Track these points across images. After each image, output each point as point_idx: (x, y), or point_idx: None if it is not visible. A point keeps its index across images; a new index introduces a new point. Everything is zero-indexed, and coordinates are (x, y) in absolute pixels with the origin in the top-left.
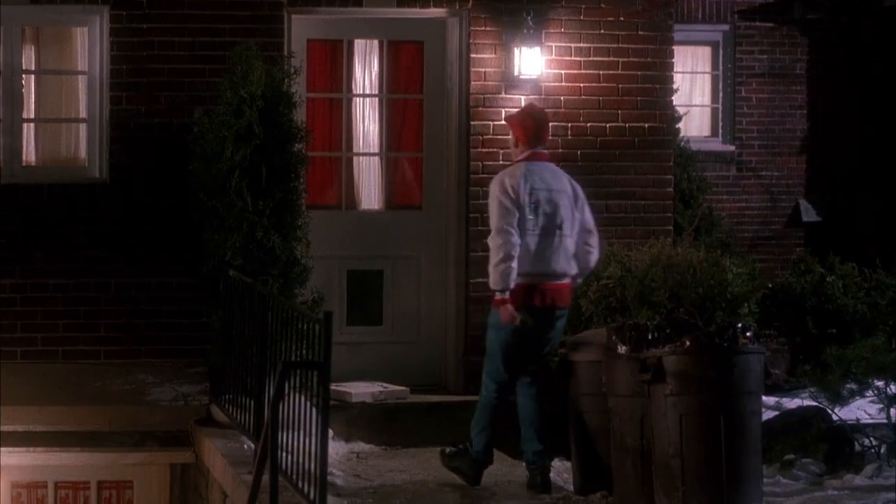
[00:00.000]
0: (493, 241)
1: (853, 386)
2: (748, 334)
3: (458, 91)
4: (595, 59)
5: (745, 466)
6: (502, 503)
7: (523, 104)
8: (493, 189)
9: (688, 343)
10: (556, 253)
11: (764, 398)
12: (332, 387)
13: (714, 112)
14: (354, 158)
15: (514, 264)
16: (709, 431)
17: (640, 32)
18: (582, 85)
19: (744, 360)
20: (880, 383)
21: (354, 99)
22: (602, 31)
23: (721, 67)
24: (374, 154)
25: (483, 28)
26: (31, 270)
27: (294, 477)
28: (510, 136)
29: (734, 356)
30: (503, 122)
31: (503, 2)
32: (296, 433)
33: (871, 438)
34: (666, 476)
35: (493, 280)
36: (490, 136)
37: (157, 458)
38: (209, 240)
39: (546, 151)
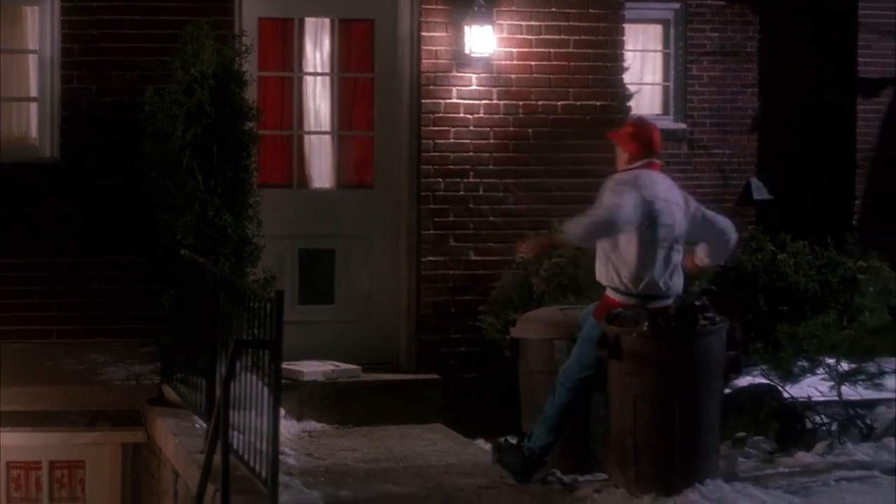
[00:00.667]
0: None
1: (804, 363)
2: (708, 314)
3: (410, 69)
4: (546, 37)
5: (700, 446)
6: (456, 481)
7: (474, 82)
8: (608, 187)
9: (646, 325)
10: (673, 270)
11: None
12: (284, 365)
13: (665, 90)
14: (306, 137)
15: (602, 232)
16: (663, 414)
17: (591, 10)
18: (533, 63)
19: (703, 344)
20: (831, 361)
21: (306, 77)
22: (553, 8)
23: (672, 45)
24: (325, 133)
25: (434, 6)
26: None
27: (246, 456)
28: (619, 152)
29: (692, 341)
30: (455, 101)
31: None
32: (247, 412)
33: (823, 416)
34: (620, 452)
35: (573, 228)
36: (441, 115)
37: (109, 437)
38: (161, 219)
39: (660, 162)
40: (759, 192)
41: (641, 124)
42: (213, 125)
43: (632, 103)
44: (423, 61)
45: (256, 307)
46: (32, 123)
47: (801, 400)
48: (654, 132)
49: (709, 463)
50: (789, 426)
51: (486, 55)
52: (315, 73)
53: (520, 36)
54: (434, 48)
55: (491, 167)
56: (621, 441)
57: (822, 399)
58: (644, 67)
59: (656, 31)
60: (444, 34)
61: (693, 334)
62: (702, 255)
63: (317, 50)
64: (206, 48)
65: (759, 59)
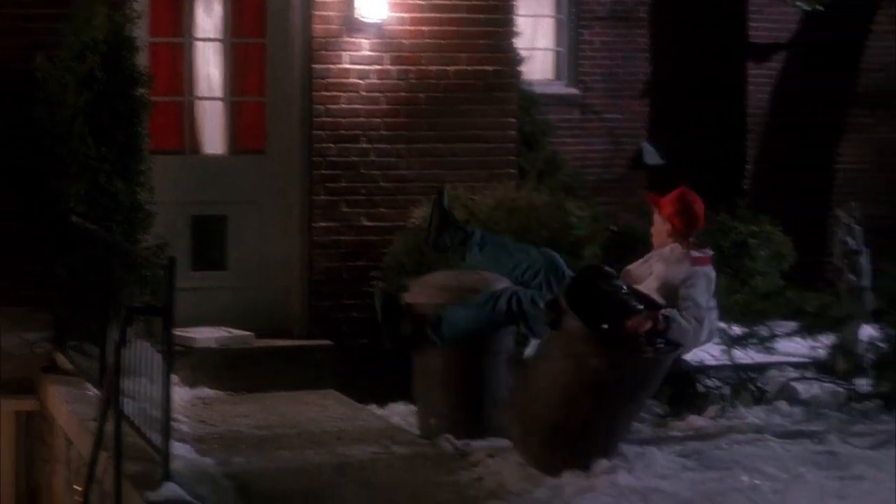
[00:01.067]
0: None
1: None
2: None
3: (301, 35)
4: (438, 2)
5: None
6: (349, 447)
7: (366, 47)
8: (701, 281)
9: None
10: None
11: None
12: (177, 332)
13: (557, 55)
14: (198, 103)
15: None
16: (552, 383)
17: None
18: (425, 28)
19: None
20: (724, 325)
21: (197, 43)
22: None
23: (565, 11)
24: (217, 99)
25: None
26: None
27: (138, 423)
28: (660, 220)
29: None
30: (346, 66)
31: None
32: (140, 379)
33: (715, 380)
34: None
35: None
36: (333, 80)
37: (1, 406)
38: (53, 186)
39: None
40: (651, 157)
41: (689, 198)
42: (105, 92)
43: (524, 68)
44: (315, 26)
45: (148, 274)
46: None
47: (693, 364)
48: (701, 208)
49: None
50: (682, 390)
51: (378, 20)
52: (207, 39)
53: (411, 1)
54: (326, 13)
55: (382, 132)
56: (512, 406)
57: (714, 363)
58: (536, 33)
59: None
60: None
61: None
62: None
63: (208, 15)
64: (97, 14)
65: (651, 24)
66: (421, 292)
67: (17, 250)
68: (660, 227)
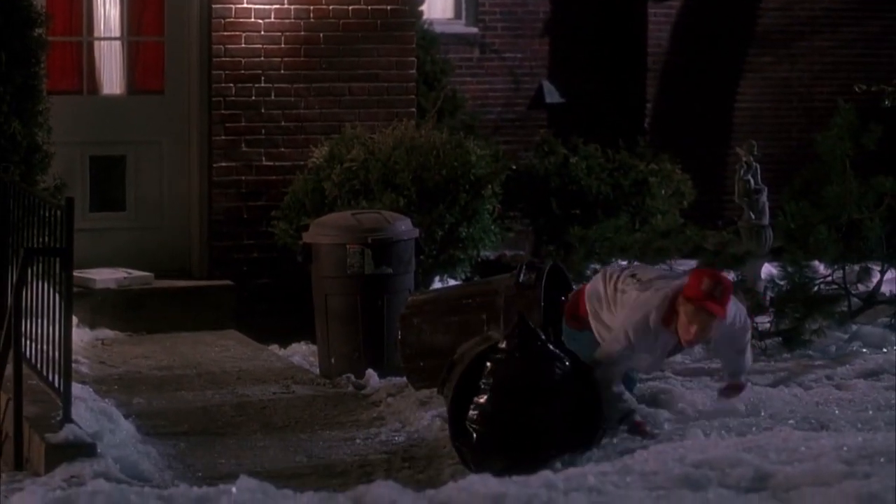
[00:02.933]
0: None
1: (597, 266)
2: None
3: None
4: None
5: None
6: (249, 387)
7: None
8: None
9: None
10: None
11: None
12: (76, 273)
13: None
14: (96, 43)
15: None
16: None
17: None
18: None
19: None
20: (624, 263)
21: None
22: None
23: None
24: (115, 38)
25: None
26: None
27: (39, 365)
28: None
29: None
30: (246, 5)
31: None
32: (40, 321)
33: None
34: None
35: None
36: (232, 20)
37: None
38: None
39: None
40: (551, 96)
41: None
42: (1, 31)
43: (423, 7)
44: None
45: (47, 215)
46: None
47: None
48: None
49: None
50: None
51: None
52: None
53: None
54: None
55: (282, 72)
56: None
57: None
58: None
59: None
60: None
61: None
62: None
63: None
64: None
65: None
66: (320, 232)
67: None
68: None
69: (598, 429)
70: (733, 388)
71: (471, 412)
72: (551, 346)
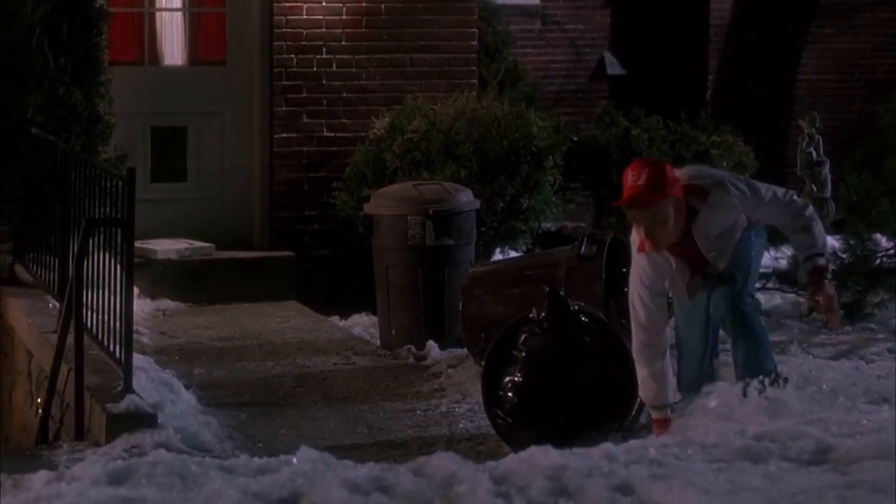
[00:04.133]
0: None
1: None
2: None
3: None
4: None
5: None
6: (310, 358)
7: None
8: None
9: None
10: None
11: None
12: (138, 244)
13: None
14: (157, 14)
15: None
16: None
17: None
18: None
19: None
20: None
21: None
22: None
23: None
24: (176, 10)
25: None
26: None
27: (100, 335)
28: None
29: None
30: None
31: None
32: (101, 291)
33: None
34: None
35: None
36: None
37: None
38: (9, 97)
39: None
40: (613, 68)
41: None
42: (63, 3)
43: None
44: None
45: (108, 186)
46: None
47: None
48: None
49: None
50: None
51: None
52: None
53: None
54: None
55: (343, 43)
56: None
57: None
58: None
59: None
60: None
61: None
62: None
63: None
64: None
65: None
66: (381, 203)
67: None
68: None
69: (631, 403)
70: (815, 274)
71: (503, 382)
72: (583, 318)
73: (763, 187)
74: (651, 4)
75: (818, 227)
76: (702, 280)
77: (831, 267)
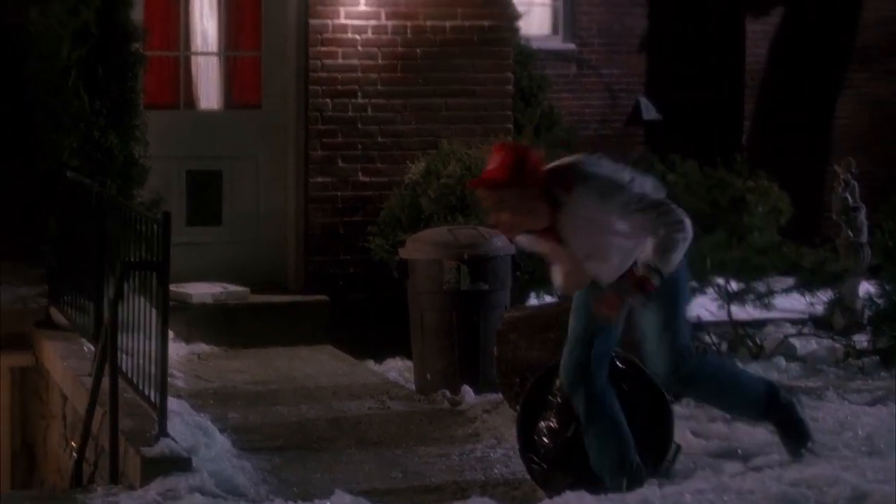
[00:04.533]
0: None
1: (694, 283)
2: None
3: None
4: None
5: None
6: (345, 402)
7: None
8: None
9: None
10: None
11: None
12: (173, 287)
13: (554, 10)
14: (193, 57)
15: None
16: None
17: None
18: None
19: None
20: (721, 280)
21: None
22: None
23: None
24: (212, 53)
25: None
26: None
27: (134, 379)
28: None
29: None
30: (343, 21)
31: None
32: (136, 335)
33: (712, 335)
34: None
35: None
36: (329, 36)
37: None
38: (46, 140)
39: None
40: (649, 112)
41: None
42: (99, 46)
43: (521, 23)
44: None
45: (143, 229)
46: None
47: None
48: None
49: None
50: None
51: None
52: None
53: None
54: None
55: (379, 88)
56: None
57: (711, 319)
58: None
59: None
60: None
61: None
62: None
63: None
64: None
65: None
66: (416, 247)
67: (9, 204)
68: (527, 203)
69: (666, 449)
70: (637, 282)
71: (539, 427)
72: (619, 363)
73: (636, 198)
74: (686, 49)
75: (678, 253)
76: (617, 299)
77: (867, 315)
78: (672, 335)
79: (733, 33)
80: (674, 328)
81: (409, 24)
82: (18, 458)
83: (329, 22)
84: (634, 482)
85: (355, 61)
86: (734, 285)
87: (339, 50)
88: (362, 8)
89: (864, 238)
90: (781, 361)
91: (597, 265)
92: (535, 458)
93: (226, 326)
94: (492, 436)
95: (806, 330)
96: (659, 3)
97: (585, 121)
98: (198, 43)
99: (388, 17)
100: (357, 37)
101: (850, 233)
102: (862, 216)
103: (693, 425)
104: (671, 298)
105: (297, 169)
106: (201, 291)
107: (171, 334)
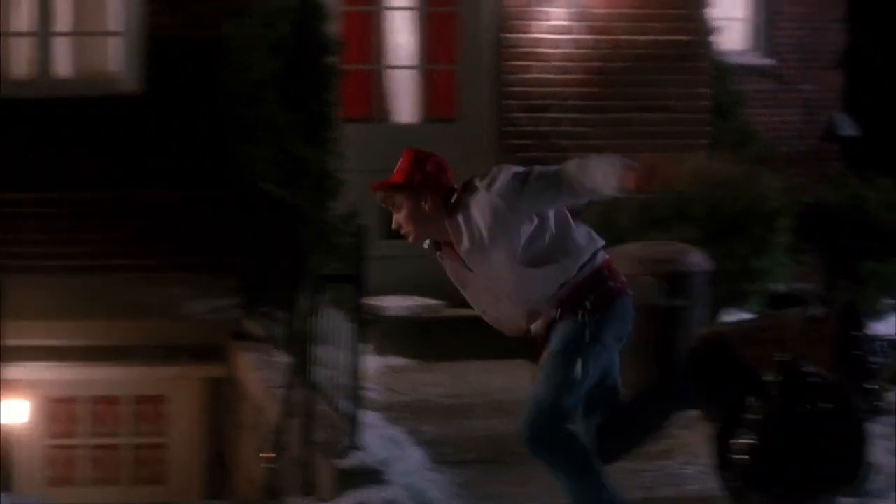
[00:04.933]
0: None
1: (889, 301)
2: None
3: (493, 4)
4: None
5: None
6: None
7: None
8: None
9: None
10: None
11: None
12: (367, 300)
13: (753, 25)
14: (388, 71)
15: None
16: None
17: None
18: None
19: None
20: None
21: (388, 12)
22: None
23: None
24: (408, 67)
25: None
26: (67, 184)
27: (327, 391)
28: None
29: None
30: (537, 35)
31: None
32: (329, 347)
33: None
34: None
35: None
36: (524, 50)
37: (190, 372)
38: (239, 152)
39: None
40: (845, 128)
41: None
42: (295, 59)
43: (718, 38)
44: None
45: (339, 242)
46: (114, 57)
47: (886, 337)
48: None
49: None
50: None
51: None
52: (399, 8)
53: None
54: None
55: (574, 102)
56: None
57: None
58: (733, 2)
59: None
60: None
61: None
62: None
63: None
64: None
65: None
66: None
67: (204, 216)
68: (426, 206)
69: (860, 467)
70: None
71: (734, 444)
72: (816, 382)
73: (536, 173)
74: (884, 64)
75: (600, 167)
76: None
77: None
78: (548, 387)
79: None
80: (555, 380)
81: (604, 38)
82: (211, 469)
83: (523, 36)
84: None
85: (549, 75)
86: None
87: (533, 64)
88: (556, 22)
89: None
90: None
91: (511, 301)
92: (730, 476)
93: (420, 340)
94: (686, 452)
95: None
96: (856, 18)
97: (782, 136)
98: (393, 56)
99: (583, 32)
100: (551, 51)
101: None
102: None
103: (888, 444)
104: (571, 346)
105: None
106: (396, 304)
107: (364, 347)
